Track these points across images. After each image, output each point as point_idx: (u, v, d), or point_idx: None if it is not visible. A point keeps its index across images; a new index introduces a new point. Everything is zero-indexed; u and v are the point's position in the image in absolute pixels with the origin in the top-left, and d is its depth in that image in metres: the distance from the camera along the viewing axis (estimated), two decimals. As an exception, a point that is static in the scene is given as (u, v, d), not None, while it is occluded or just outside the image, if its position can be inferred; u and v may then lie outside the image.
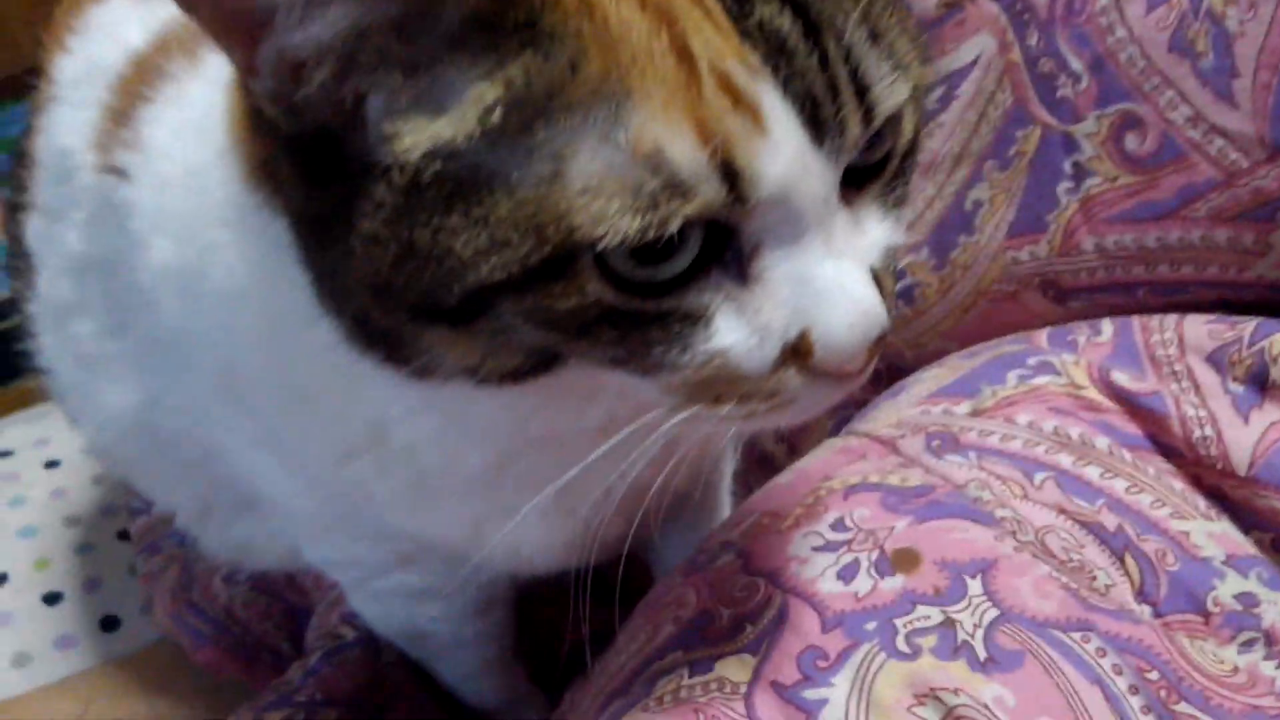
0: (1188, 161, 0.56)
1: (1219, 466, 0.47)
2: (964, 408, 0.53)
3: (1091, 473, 0.48)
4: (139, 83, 0.52)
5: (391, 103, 0.34)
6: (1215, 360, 0.51)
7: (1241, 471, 0.46)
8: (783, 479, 0.58)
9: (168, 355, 0.54)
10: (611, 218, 0.32)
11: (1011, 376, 0.54)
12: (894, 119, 0.36)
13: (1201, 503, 0.47)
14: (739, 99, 0.32)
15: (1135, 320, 0.55)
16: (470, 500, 0.50)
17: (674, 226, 0.32)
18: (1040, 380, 0.53)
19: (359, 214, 0.35)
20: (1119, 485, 0.47)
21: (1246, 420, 0.47)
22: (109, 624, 0.95)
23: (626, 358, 0.36)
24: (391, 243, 0.34)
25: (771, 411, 0.37)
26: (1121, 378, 0.51)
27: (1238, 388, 0.49)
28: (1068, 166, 0.61)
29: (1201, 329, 0.52)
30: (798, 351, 0.35)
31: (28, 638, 0.93)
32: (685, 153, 0.32)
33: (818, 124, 0.33)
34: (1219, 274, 0.57)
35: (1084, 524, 0.46)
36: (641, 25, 0.32)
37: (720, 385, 0.36)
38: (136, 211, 0.50)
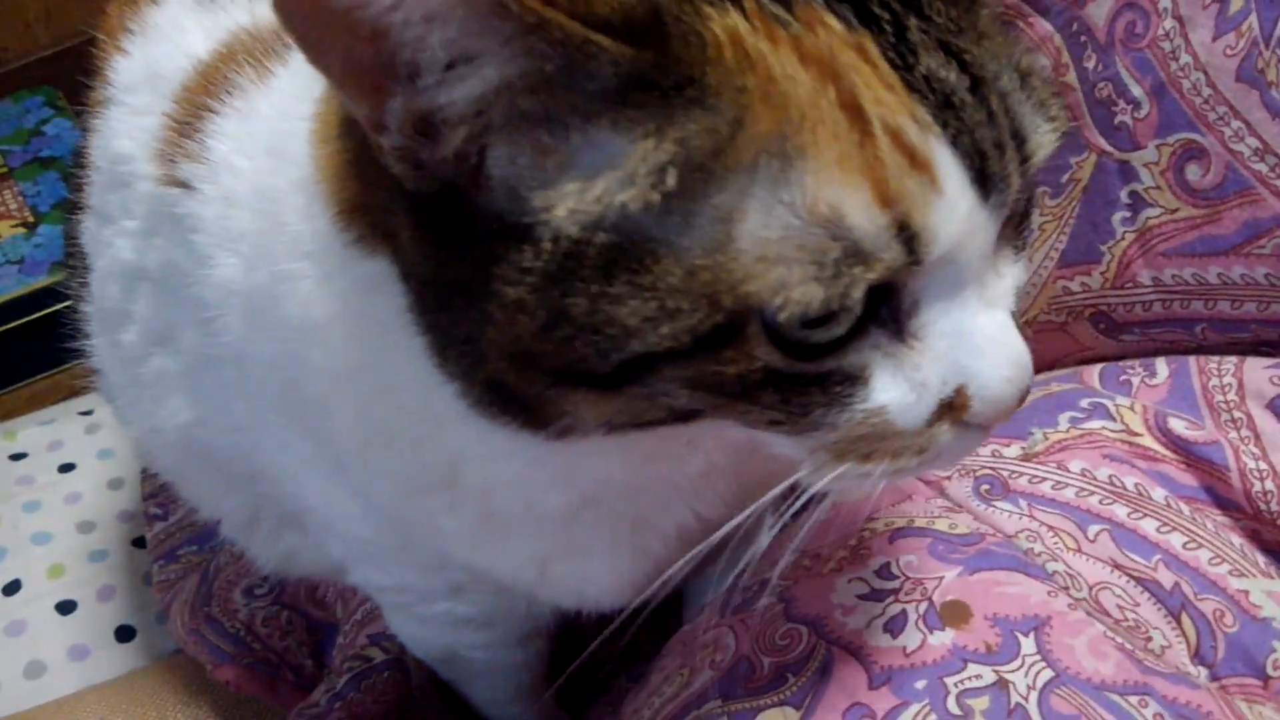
0: (1253, 195, 0.55)
1: (1280, 522, 0.47)
2: (1013, 450, 0.53)
3: (1148, 526, 0.48)
4: (204, 94, 0.51)
5: (534, 166, 0.33)
6: (1276, 407, 0.50)
7: (1304, 528, 0.46)
8: (822, 515, 0.58)
9: (222, 372, 0.54)
10: (792, 287, 0.32)
11: (1063, 419, 0.54)
12: None
13: (1261, 559, 0.47)
14: (914, 157, 0.32)
15: (1192, 361, 0.55)
16: (542, 539, 0.50)
17: (858, 294, 0.32)
18: (1094, 424, 0.53)
19: (500, 280, 0.34)
20: (1176, 540, 0.47)
21: (1310, 475, 0.47)
22: (124, 634, 0.97)
23: (785, 419, 0.36)
24: (540, 310, 0.34)
25: (921, 465, 0.37)
26: (1178, 425, 0.51)
27: (1301, 439, 0.49)
28: (1124, 195, 0.60)
29: (1262, 374, 0.52)
30: (953, 406, 0.36)
31: (41, 647, 0.94)
32: (865, 215, 0.31)
33: (985, 179, 0.33)
34: (1283, 312, 0.56)
35: (1139, 580, 0.46)
36: (807, 80, 0.32)
37: (873, 442, 0.37)
38: (202, 226, 0.49)
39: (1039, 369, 0.66)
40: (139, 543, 1.01)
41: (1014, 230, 0.37)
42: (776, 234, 0.32)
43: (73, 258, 0.67)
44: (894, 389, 0.36)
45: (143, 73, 0.58)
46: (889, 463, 0.37)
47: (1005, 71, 0.34)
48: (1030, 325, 0.66)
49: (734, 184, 0.32)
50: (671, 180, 0.32)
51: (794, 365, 0.34)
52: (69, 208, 0.68)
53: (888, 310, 0.35)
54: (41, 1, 1.71)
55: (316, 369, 0.46)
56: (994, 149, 0.33)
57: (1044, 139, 0.35)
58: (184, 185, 0.50)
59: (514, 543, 0.51)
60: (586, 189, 0.33)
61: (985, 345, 0.35)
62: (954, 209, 0.32)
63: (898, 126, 0.32)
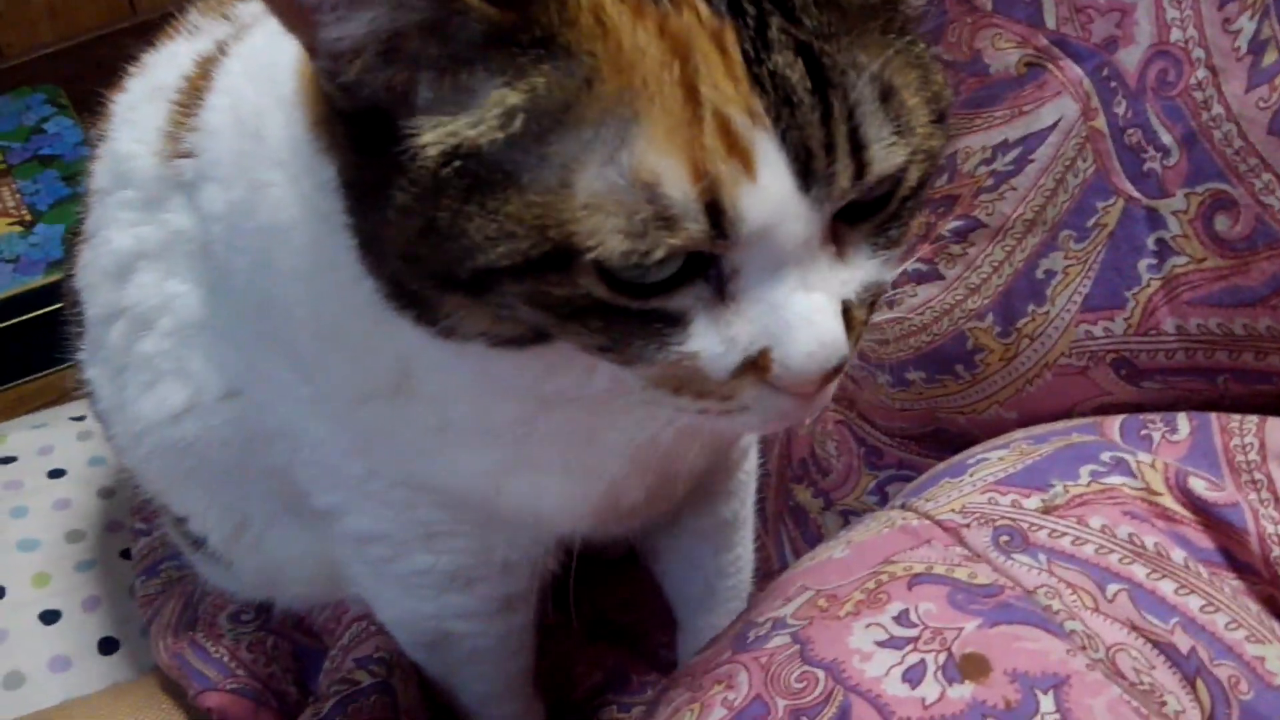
0: (1281, 249, 0.56)
1: (1298, 588, 0.48)
2: (1034, 502, 0.54)
3: (1166, 587, 0.49)
4: (203, 79, 0.59)
5: (412, 98, 0.39)
6: (1299, 469, 0.51)
7: (1323, 595, 0.47)
8: (836, 552, 0.59)
9: (213, 323, 0.61)
10: (605, 235, 0.37)
11: (1084, 472, 0.55)
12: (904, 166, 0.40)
13: (1278, 626, 0.48)
14: (735, 145, 0.36)
15: (1214, 419, 0.56)
16: (496, 451, 0.55)
17: (658, 255, 0.37)
18: (1114, 480, 0.54)
19: (396, 187, 0.40)
20: (1194, 603, 0.48)
21: (1332, 540, 0.48)
22: (107, 646, 0.97)
23: (609, 347, 0.41)
24: (418, 216, 0.40)
25: (725, 414, 0.43)
26: (1199, 485, 0.52)
27: (1323, 501, 0.50)
28: (1151, 243, 0.62)
29: (1285, 434, 0.53)
30: (757, 365, 0.40)
31: (22, 657, 0.95)
32: (678, 187, 0.36)
33: (807, 175, 0.37)
34: (1308, 368, 0.58)
35: (1156, 643, 0.47)
36: (655, 54, 0.36)
37: (683, 381, 0.42)
38: (203, 180, 0.57)
39: (1059, 413, 0.68)
40: (126, 554, 1.02)
41: (878, 227, 0.42)
42: (604, 187, 0.37)
43: (73, 305, 0.73)
44: (707, 338, 0.41)
45: (143, 93, 0.65)
46: (696, 401, 0.42)
47: (864, 82, 0.38)
48: (1050, 368, 0.68)
49: (576, 137, 0.37)
50: (518, 125, 0.37)
51: (617, 299, 0.39)
52: (68, 249, 0.75)
53: (714, 272, 0.40)
54: (44, -3, 1.72)
55: (282, 271, 0.53)
56: (821, 149, 0.37)
57: (888, 152, 0.39)
58: (189, 155, 0.58)
59: (469, 454, 0.56)
60: (446, 125, 0.39)
61: (795, 320, 0.40)
62: (766, 196, 0.37)
63: (727, 114, 0.36)
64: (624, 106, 0.36)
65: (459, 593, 0.68)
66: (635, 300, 0.40)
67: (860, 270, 0.42)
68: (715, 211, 0.37)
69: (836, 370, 0.41)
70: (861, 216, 0.42)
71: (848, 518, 0.85)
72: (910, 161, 0.40)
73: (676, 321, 0.41)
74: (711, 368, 0.41)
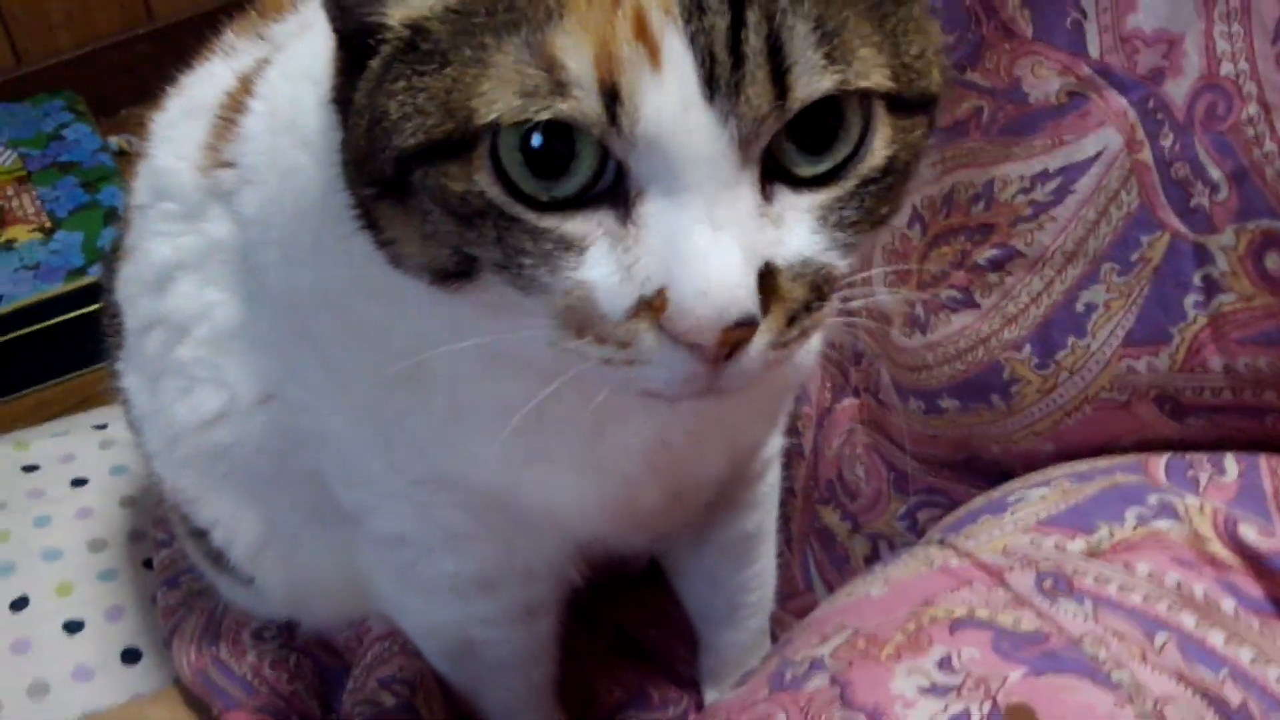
0: (1334, 288, 0.56)
1: (1351, 639, 0.47)
2: (1078, 544, 0.54)
3: (1215, 638, 0.48)
4: (245, 92, 0.61)
5: None
6: (1352, 515, 0.51)
7: (1378, 650, 0.47)
8: (874, 590, 0.59)
9: (249, 325, 0.62)
10: (498, 98, 0.38)
11: (1130, 515, 0.54)
12: (863, 137, 0.41)
13: (1331, 678, 0.47)
14: (644, 34, 0.37)
15: (1263, 461, 0.55)
16: (509, 440, 0.54)
17: (544, 115, 0.37)
18: (1161, 525, 0.53)
19: (357, 90, 0.42)
20: (1244, 655, 0.47)
21: (1384, 591, 0.48)
22: (130, 656, 0.97)
23: (503, 263, 0.41)
24: (366, 110, 0.42)
25: (627, 363, 0.41)
26: (1249, 532, 0.52)
27: (1376, 549, 0.49)
28: (1197, 279, 0.61)
29: (1337, 480, 0.52)
30: (652, 306, 0.39)
31: (46, 667, 0.95)
32: (578, 61, 0.37)
33: (712, 81, 0.37)
34: (1357, 409, 0.57)
35: (1205, 695, 0.46)
36: None
37: (581, 318, 0.41)
38: (241, 185, 0.59)
39: (1098, 447, 0.67)
40: (150, 564, 1.03)
41: (831, 203, 0.41)
42: (510, 62, 0.38)
43: (111, 318, 0.75)
44: (603, 267, 0.40)
45: (182, 111, 0.67)
46: (596, 346, 0.41)
47: (793, 9, 0.38)
48: (1090, 402, 0.67)
49: (504, 18, 0.38)
50: (462, 3, 0.39)
51: (512, 206, 0.40)
52: (106, 271, 0.77)
53: (620, 194, 0.39)
54: (64, 4, 1.73)
55: (304, 257, 0.55)
56: (726, 53, 0.37)
57: (814, 75, 0.38)
58: (229, 164, 0.60)
59: (482, 442, 0.56)
60: (410, 2, 0.41)
61: (693, 257, 0.38)
62: (665, 90, 0.37)
63: (644, 7, 0.37)
64: (555, 0, 0.37)
65: (482, 598, 0.69)
66: (531, 211, 0.40)
67: (796, 238, 0.41)
68: (611, 95, 0.37)
69: (739, 327, 0.39)
70: (809, 184, 0.41)
71: (875, 542, 0.85)
72: (844, 91, 0.39)
73: (573, 245, 0.40)
74: (606, 301, 0.40)
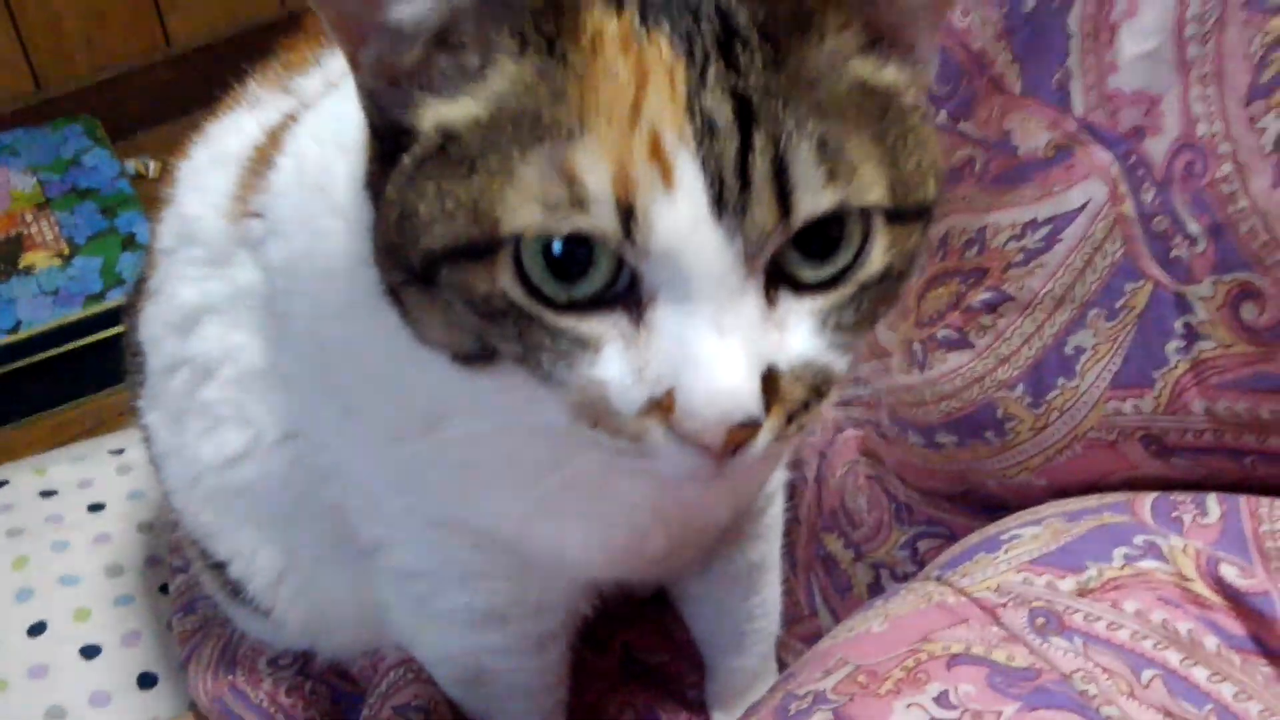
0: (1307, 341, 0.58)
1: (1328, 677, 0.50)
2: (1068, 584, 0.56)
3: (1199, 674, 0.50)
4: (273, 147, 0.63)
5: (436, 82, 0.43)
6: (1327, 556, 0.53)
7: (1352, 685, 0.49)
8: (874, 626, 0.61)
9: (276, 368, 0.65)
10: (523, 210, 0.40)
11: (1117, 555, 0.57)
12: (862, 246, 0.43)
13: (1309, 712, 0.50)
14: (658, 156, 0.39)
15: (1243, 504, 0.58)
16: (520, 496, 0.57)
17: (564, 229, 0.40)
18: (1147, 565, 0.56)
19: (389, 183, 0.44)
20: (1227, 691, 0.50)
21: (1360, 631, 0.50)
22: (146, 681, 0.99)
23: (524, 358, 0.43)
24: (397, 204, 0.44)
25: (638, 456, 0.43)
26: (1229, 572, 0.54)
27: (1350, 590, 0.52)
28: (1179, 326, 0.63)
29: (1313, 523, 0.55)
30: (662, 406, 0.41)
31: (63, 692, 0.96)
32: (596, 181, 0.39)
33: (721, 200, 0.39)
34: (1333, 454, 0.59)
35: (1191, 730, 0.48)
36: (625, 82, 0.40)
37: (595, 412, 0.43)
38: (269, 235, 0.61)
39: (1088, 483, 0.70)
40: (166, 589, 1.04)
41: (831, 307, 0.43)
42: (535, 176, 0.40)
43: (133, 356, 0.77)
44: (617, 367, 0.42)
45: (208, 160, 0.69)
46: (610, 437, 0.43)
47: (800, 132, 0.40)
48: (1080, 440, 0.69)
49: (530, 135, 0.40)
50: (495, 113, 0.42)
51: (533, 306, 0.42)
52: (129, 312, 0.79)
53: (634, 299, 0.41)
54: (83, 29, 1.74)
55: (333, 315, 0.57)
56: (735, 177, 0.39)
57: (817, 195, 0.40)
58: (257, 215, 0.62)
59: (494, 496, 0.59)
60: (443, 107, 0.43)
61: (700, 362, 0.40)
62: (676, 208, 0.39)
63: (659, 130, 0.39)
64: (578, 119, 0.40)
65: (494, 630, 0.71)
66: (550, 311, 0.42)
67: (798, 341, 0.43)
68: (627, 212, 0.39)
69: (743, 428, 0.41)
70: (810, 288, 0.43)
71: (878, 570, 0.87)
72: (844, 208, 0.41)
73: (588, 344, 0.42)
74: (619, 399, 0.42)
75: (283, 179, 0.61)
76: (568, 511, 0.59)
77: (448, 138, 0.42)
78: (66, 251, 1.56)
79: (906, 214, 0.44)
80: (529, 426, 0.47)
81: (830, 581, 0.91)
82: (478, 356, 0.45)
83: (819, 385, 0.44)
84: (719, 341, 0.40)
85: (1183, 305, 0.63)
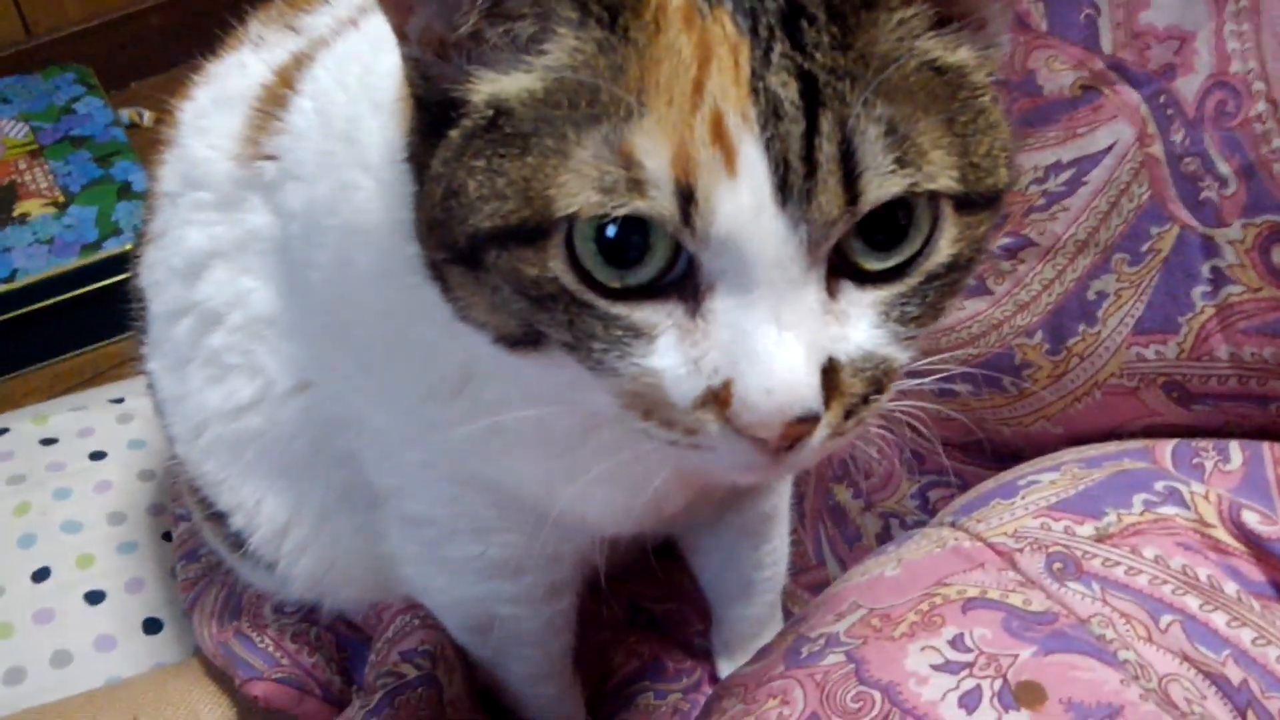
0: (1337, 283, 0.58)
1: (1349, 622, 0.50)
2: (1087, 529, 0.56)
3: (1218, 620, 0.51)
4: (284, 85, 0.62)
5: (489, 56, 0.42)
6: (1351, 503, 0.53)
7: (1372, 633, 0.49)
8: (888, 570, 0.61)
9: (287, 314, 0.64)
10: (577, 191, 0.38)
11: (1137, 501, 0.57)
12: (930, 235, 0.41)
13: (1328, 658, 0.50)
14: (721, 139, 0.38)
15: (1267, 450, 0.58)
16: (547, 459, 0.57)
17: (621, 212, 0.38)
18: (1167, 510, 0.56)
19: (435, 158, 0.43)
20: (1246, 636, 0.50)
21: (1381, 578, 0.50)
22: (151, 626, 1.00)
23: (574, 345, 0.42)
24: (444, 180, 0.42)
25: (692, 449, 0.42)
26: (1251, 519, 0.54)
27: (1373, 536, 0.52)
28: (1205, 270, 0.63)
29: (1337, 468, 0.55)
30: (718, 398, 0.40)
31: (69, 637, 0.97)
32: (655, 163, 0.38)
33: (785, 187, 0.38)
34: (1360, 399, 0.59)
35: (1208, 675, 0.49)
36: (685, 58, 0.38)
37: (650, 404, 0.42)
38: (285, 179, 0.60)
39: (1106, 432, 0.69)
40: (169, 536, 1.05)
41: (894, 298, 0.42)
42: (590, 157, 0.39)
43: (136, 303, 0.76)
44: (672, 357, 0.41)
45: (212, 101, 0.68)
46: (664, 430, 0.42)
47: (868, 115, 0.39)
48: (1100, 387, 0.69)
49: (587, 114, 0.39)
50: (551, 88, 0.40)
51: (584, 293, 0.40)
52: (133, 259, 0.77)
53: (691, 287, 0.40)
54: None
55: (359, 271, 0.55)
56: (800, 161, 0.38)
57: (885, 179, 0.39)
58: (271, 157, 0.61)
59: (521, 460, 0.59)
60: (496, 80, 0.41)
61: (759, 355, 0.39)
62: (738, 194, 0.38)
63: (722, 110, 0.38)
64: (637, 98, 0.38)
65: (506, 580, 0.72)
66: (603, 299, 0.41)
67: (859, 334, 0.42)
68: (687, 196, 0.38)
69: (801, 422, 0.40)
70: (875, 281, 0.42)
71: (887, 520, 0.87)
72: (912, 193, 0.40)
73: (643, 333, 0.41)
74: (674, 391, 0.41)
75: (303, 121, 0.60)
76: (594, 477, 0.57)
77: (500, 113, 0.41)
78: (61, 200, 1.55)
79: (976, 201, 0.42)
80: (574, 410, 0.47)
81: (839, 532, 0.91)
82: (522, 341, 0.45)
83: (879, 379, 0.43)
84: (778, 334, 0.39)
85: (1210, 249, 0.62)
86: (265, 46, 0.68)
